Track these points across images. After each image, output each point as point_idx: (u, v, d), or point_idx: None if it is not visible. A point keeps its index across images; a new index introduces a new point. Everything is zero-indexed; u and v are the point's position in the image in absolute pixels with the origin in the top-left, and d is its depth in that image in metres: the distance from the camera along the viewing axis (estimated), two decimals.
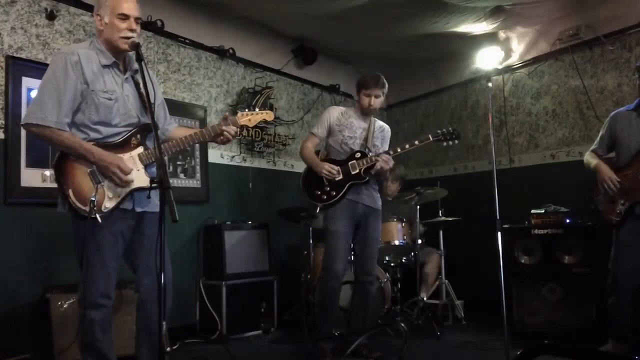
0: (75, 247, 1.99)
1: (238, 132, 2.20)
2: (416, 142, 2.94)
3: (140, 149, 2.03)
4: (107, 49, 2.02)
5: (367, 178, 2.92)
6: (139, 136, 2.04)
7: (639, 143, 2.80)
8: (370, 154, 2.93)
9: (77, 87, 1.93)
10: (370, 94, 2.95)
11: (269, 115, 2.32)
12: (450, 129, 2.99)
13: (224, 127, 2.13)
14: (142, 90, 1.90)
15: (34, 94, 2.89)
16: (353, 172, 2.90)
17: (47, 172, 2.96)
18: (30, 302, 2.82)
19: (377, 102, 2.98)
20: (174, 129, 2.34)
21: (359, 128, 3.02)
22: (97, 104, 1.96)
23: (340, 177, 2.89)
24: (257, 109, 2.34)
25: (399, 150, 2.94)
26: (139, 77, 1.95)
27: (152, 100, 1.95)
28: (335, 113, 3.06)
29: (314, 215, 3.60)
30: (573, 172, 3.76)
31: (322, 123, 3.05)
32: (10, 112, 2.85)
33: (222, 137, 2.15)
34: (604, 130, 3.03)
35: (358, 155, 2.93)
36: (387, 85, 3.00)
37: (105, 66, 2.01)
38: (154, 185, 1.69)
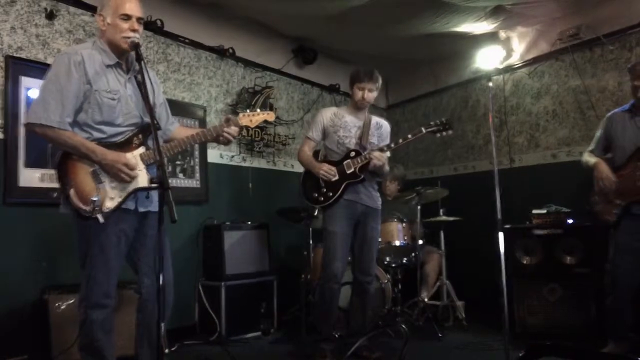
0: (78, 247, 1.98)
1: (239, 133, 2.21)
2: (409, 136, 2.90)
3: (142, 149, 2.03)
4: (110, 49, 2.02)
5: (363, 176, 2.90)
6: (140, 136, 2.04)
7: (634, 144, 2.81)
8: (365, 152, 2.91)
9: (79, 87, 1.93)
10: (363, 88, 2.92)
11: (270, 116, 2.32)
12: (442, 119, 2.95)
13: (225, 129, 2.14)
14: (147, 89, 1.89)
15: (32, 93, 2.89)
16: (348, 172, 2.89)
17: (44, 172, 2.94)
18: (29, 302, 2.81)
19: (371, 96, 2.95)
20: (176, 128, 2.34)
21: (354, 127, 3.00)
22: (100, 104, 1.95)
23: (337, 177, 2.88)
24: (258, 109, 2.34)
25: (392, 145, 2.91)
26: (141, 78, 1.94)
27: (152, 101, 1.95)
28: (327, 114, 3.04)
29: (314, 215, 3.59)
30: (574, 172, 3.75)
31: (316, 126, 3.04)
32: (10, 112, 2.84)
33: (222, 138, 2.16)
34: (600, 131, 3.04)
35: (352, 154, 2.92)
36: (380, 80, 2.98)
37: (108, 66, 2.00)
38: (153, 185, 1.69)
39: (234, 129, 2.16)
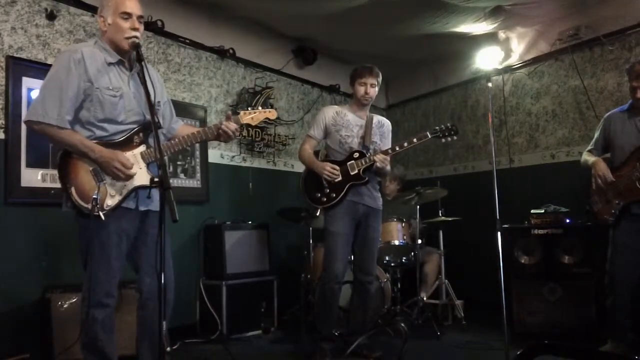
0: (80, 245, 2.00)
1: (238, 130, 2.19)
2: (414, 140, 2.90)
3: (142, 147, 2.03)
4: (111, 48, 2.03)
5: (367, 178, 2.90)
6: (141, 134, 2.04)
7: (632, 144, 2.82)
8: (369, 153, 2.92)
9: (79, 85, 1.93)
10: (365, 82, 2.93)
11: (271, 114, 2.31)
12: (448, 124, 2.95)
13: (224, 123, 2.13)
14: (147, 88, 1.90)
15: (34, 94, 2.90)
16: (352, 173, 2.88)
17: (45, 172, 2.96)
18: (30, 302, 2.82)
19: (373, 91, 2.95)
20: (179, 127, 2.34)
21: (356, 126, 3.00)
22: (101, 101, 1.96)
23: (340, 178, 2.89)
24: (260, 107, 2.33)
25: (397, 148, 2.91)
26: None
27: (154, 99, 1.96)
28: (330, 113, 3.04)
29: (314, 215, 3.60)
30: (573, 172, 3.76)
31: (318, 124, 3.04)
32: (11, 112, 2.84)
33: (222, 133, 2.14)
34: (599, 131, 3.05)
35: (356, 155, 2.91)
36: (380, 75, 2.99)
37: (110, 64, 2.01)
38: (154, 184, 1.70)
39: (232, 125, 2.14)
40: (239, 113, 2.23)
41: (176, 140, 2.10)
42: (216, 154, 4.04)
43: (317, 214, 3.56)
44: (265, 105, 4.07)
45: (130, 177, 1.96)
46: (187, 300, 3.63)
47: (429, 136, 2.91)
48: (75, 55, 1.94)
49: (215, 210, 3.91)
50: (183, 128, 2.34)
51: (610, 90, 3.83)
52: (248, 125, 2.30)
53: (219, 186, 4.02)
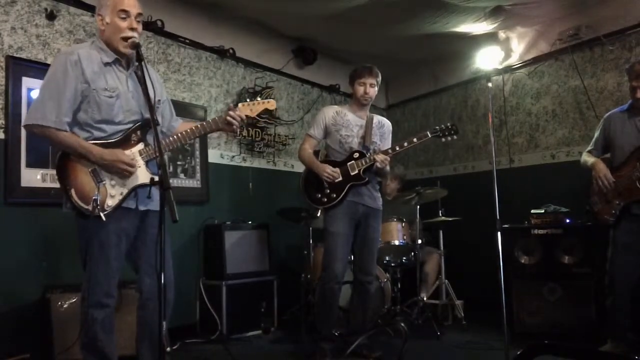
0: (79, 246, 1.99)
1: (244, 120, 2.15)
2: (414, 140, 2.90)
3: (140, 146, 2.03)
4: (108, 48, 2.02)
5: (367, 179, 2.90)
6: (139, 132, 2.04)
7: (632, 144, 2.82)
8: (369, 153, 2.91)
9: (76, 87, 1.93)
10: (364, 82, 2.93)
11: (270, 104, 2.26)
12: (448, 124, 2.95)
13: (230, 113, 2.09)
14: (146, 87, 1.90)
15: (34, 94, 2.90)
16: (352, 173, 2.88)
17: (45, 172, 2.96)
18: (30, 302, 2.82)
19: (372, 91, 2.95)
20: (179, 125, 2.34)
21: (356, 125, 3.00)
22: (98, 103, 1.96)
23: (340, 178, 2.88)
24: (258, 98, 2.31)
25: (397, 148, 2.91)
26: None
27: (154, 98, 1.96)
28: (330, 113, 3.04)
29: (314, 215, 3.61)
30: (573, 172, 3.76)
31: (318, 124, 3.04)
32: (11, 112, 2.84)
33: (228, 125, 2.10)
34: (599, 131, 3.05)
35: (356, 155, 2.91)
36: (380, 75, 2.99)
37: (107, 64, 2.00)
38: (154, 183, 1.70)
39: (238, 114, 2.09)
40: (237, 106, 2.21)
41: (174, 137, 2.08)
42: (216, 154, 4.04)
43: (317, 214, 3.56)
44: None
45: (133, 172, 1.96)
46: (187, 300, 3.63)
47: (429, 136, 2.91)
48: (71, 57, 1.94)
49: (215, 210, 3.91)
50: (183, 125, 2.32)
51: (610, 90, 3.83)
52: (248, 124, 2.28)
53: (219, 186, 4.02)
